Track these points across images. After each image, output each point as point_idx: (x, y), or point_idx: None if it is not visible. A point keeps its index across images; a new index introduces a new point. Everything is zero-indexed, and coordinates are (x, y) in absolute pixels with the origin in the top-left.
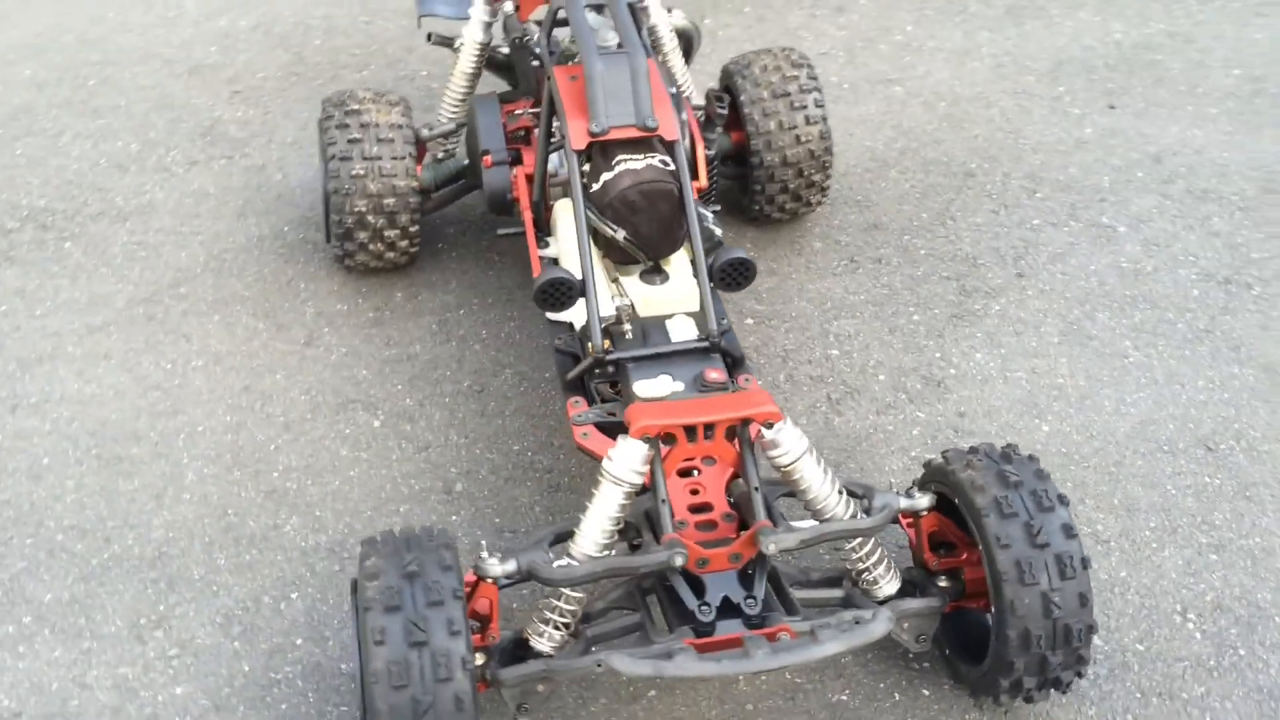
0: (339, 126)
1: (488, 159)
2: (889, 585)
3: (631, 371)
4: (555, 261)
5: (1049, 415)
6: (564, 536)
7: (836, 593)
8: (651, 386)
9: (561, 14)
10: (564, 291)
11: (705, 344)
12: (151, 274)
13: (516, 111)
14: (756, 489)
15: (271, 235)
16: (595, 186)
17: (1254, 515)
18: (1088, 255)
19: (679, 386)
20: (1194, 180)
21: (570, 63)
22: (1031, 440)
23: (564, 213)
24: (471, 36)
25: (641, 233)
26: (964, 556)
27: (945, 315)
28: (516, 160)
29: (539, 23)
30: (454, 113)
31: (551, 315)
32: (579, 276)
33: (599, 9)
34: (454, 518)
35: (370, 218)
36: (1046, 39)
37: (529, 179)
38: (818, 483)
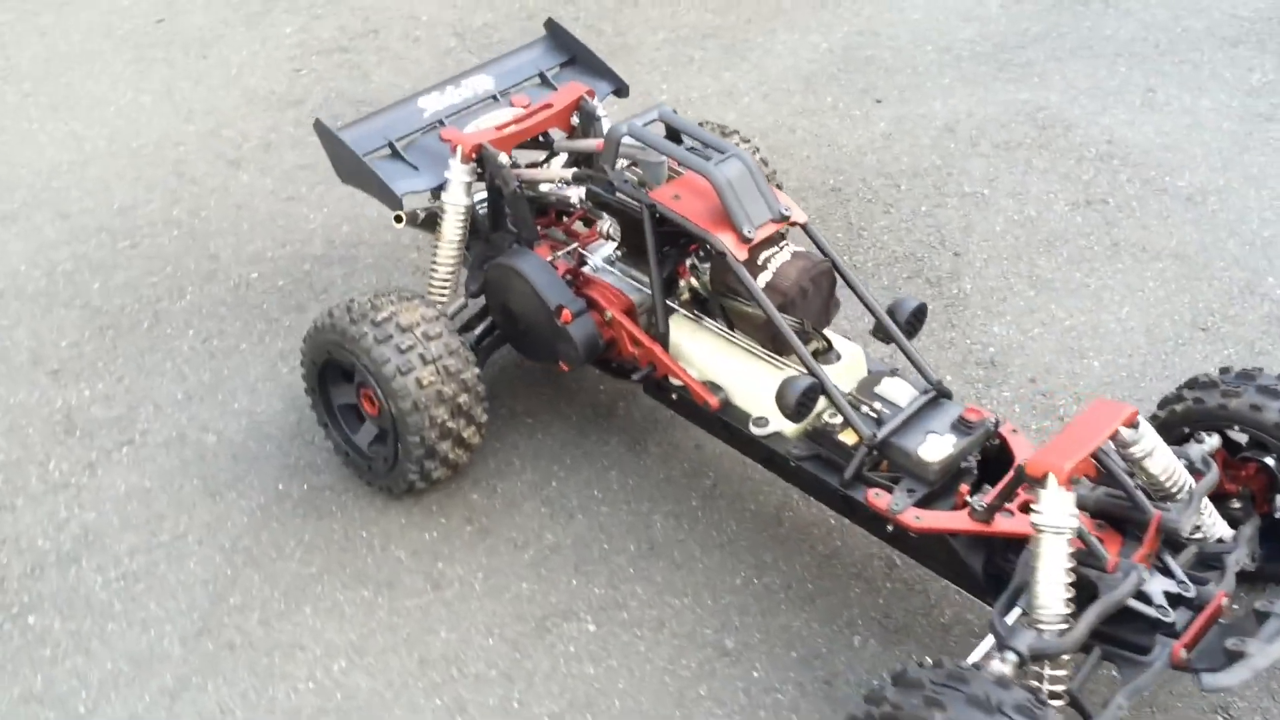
0: (380, 341)
1: (566, 314)
2: (1221, 525)
3: (902, 443)
4: (716, 387)
5: (1089, 351)
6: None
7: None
8: (934, 448)
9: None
10: (814, 396)
11: (933, 392)
12: (188, 604)
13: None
14: (1138, 486)
15: (274, 500)
16: (757, 287)
17: None
18: (987, 221)
19: (952, 436)
20: (991, 136)
21: (644, 188)
22: (1100, 374)
23: (690, 334)
24: (456, 201)
25: (811, 315)
26: (1243, 474)
27: (939, 308)
28: (590, 305)
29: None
30: (447, 287)
31: (757, 430)
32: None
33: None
34: (755, 673)
35: (451, 423)
36: (776, 63)
37: (632, 314)
38: (1169, 461)
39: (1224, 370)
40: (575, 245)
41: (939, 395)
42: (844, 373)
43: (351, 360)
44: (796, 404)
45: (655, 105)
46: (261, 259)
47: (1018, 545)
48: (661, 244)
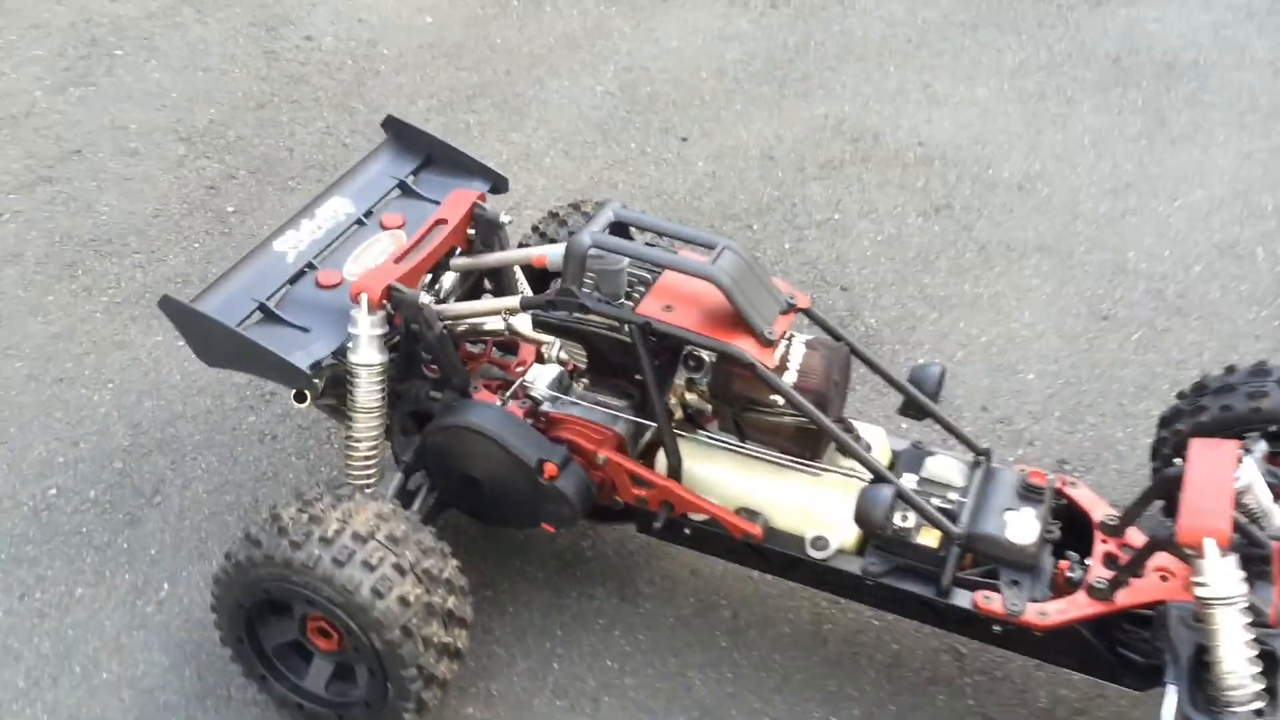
0: (341, 562)
1: (551, 468)
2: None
3: (986, 530)
4: (751, 513)
5: (1017, 364)
6: None
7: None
8: (1021, 528)
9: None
10: (895, 503)
11: (983, 461)
12: None
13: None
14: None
15: None
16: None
17: None
18: (855, 247)
19: (1030, 510)
20: (812, 158)
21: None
22: (1041, 387)
23: (699, 457)
24: (368, 360)
25: (838, 408)
26: None
27: (921, 311)
28: (573, 450)
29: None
30: (371, 466)
31: (817, 553)
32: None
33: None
34: None
35: (446, 636)
36: (560, 115)
37: (624, 450)
38: (1266, 494)
39: (1228, 371)
40: (518, 381)
41: (986, 458)
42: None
43: (299, 594)
44: (886, 516)
45: (603, 202)
46: (52, 468)
47: (1133, 614)
48: (635, 365)
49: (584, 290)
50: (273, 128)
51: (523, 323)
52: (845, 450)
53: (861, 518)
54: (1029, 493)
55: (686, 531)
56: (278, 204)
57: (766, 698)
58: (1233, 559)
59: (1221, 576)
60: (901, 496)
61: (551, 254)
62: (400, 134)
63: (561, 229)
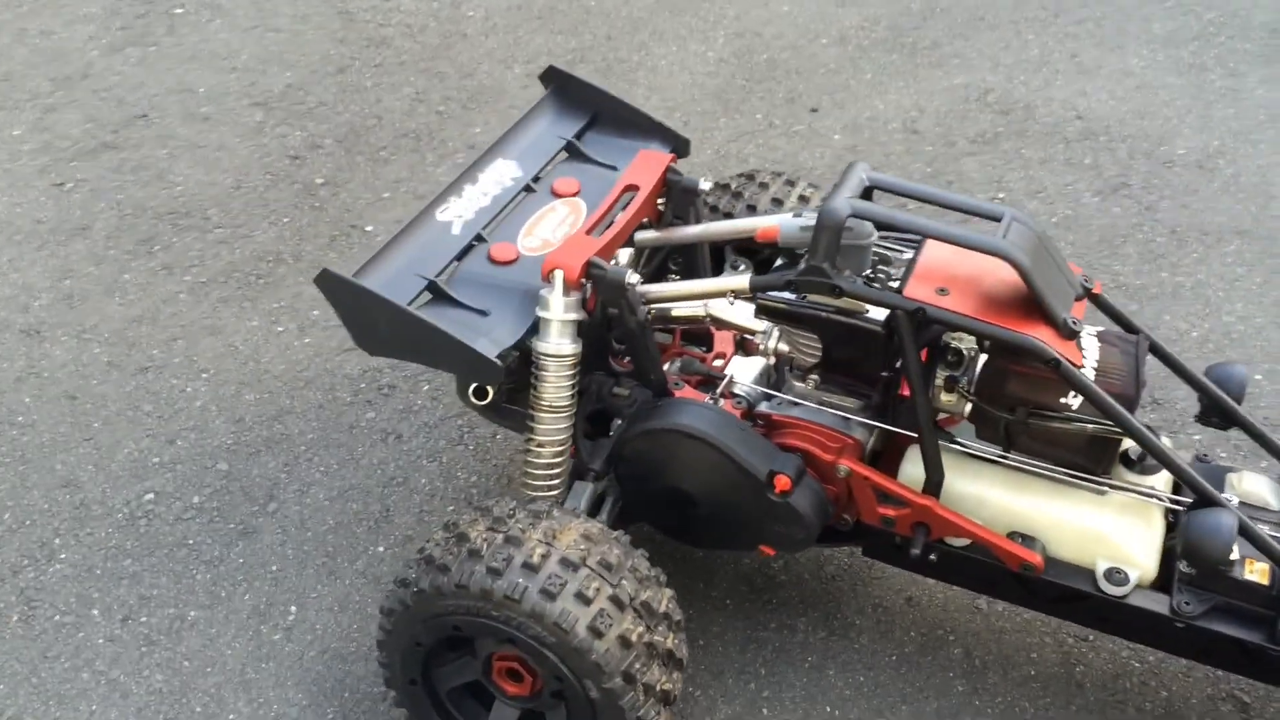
0: (551, 594)
1: (784, 481)
2: None
3: None
4: (1028, 539)
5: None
6: None
7: None
8: None
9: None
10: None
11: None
12: None
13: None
14: None
15: None
16: (1109, 399)
17: None
18: (1070, 205)
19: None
20: (961, 131)
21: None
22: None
23: (958, 470)
24: (561, 351)
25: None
26: None
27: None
28: (807, 463)
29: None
30: (558, 477)
31: (1114, 589)
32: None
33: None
34: None
35: (667, 682)
36: (672, 83)
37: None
38: None
39: None
40: (727, 377)
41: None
42: (1165, 480)
43: (499, 631)
44: (1229, 549)
45: (851, 164)
46: (146, 469)
47: None
48: (890, 359)
49: (845, 275)
50: (356, 93)
51: (720, 307)
52: (1167, 465)
53: (1196, 550)
54: None
55: (932, 558)
56: (371, 176)
57: None
58: None
59: None
60: (1244, 529)
61: (785, 225)
62: (564, 88)
63: (737, 201)
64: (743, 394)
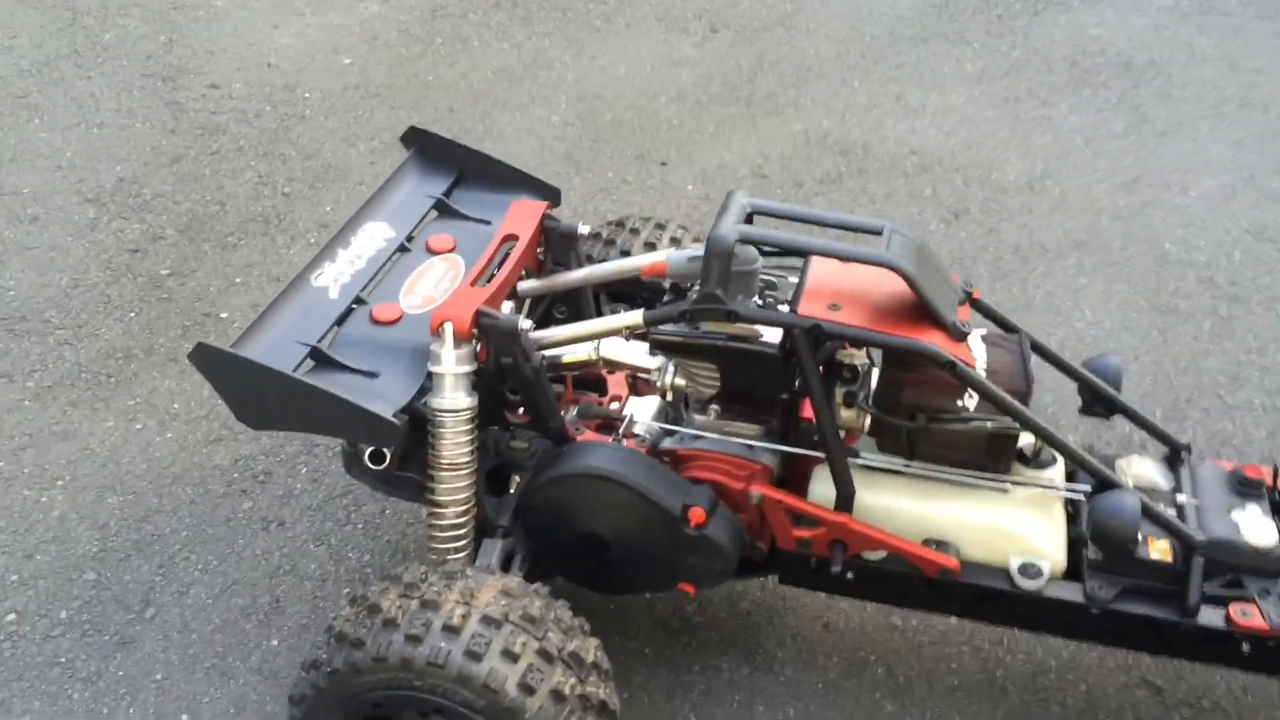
0: (476, 655)
1: (698, 513)
2: None
3: (1219, 536)
4: (942, 544)
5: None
6: None
7: None
8: (1257, 529)
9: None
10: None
11: (1184, 456)
12: None
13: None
14: None
15: None
16: (1003, 394)
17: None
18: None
19: (1255, 507)
20: (825, 167)
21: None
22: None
23: (869, 487)
24: (456, 405)
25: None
26: None
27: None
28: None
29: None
30: (463, 535)
31: (1029, 583)
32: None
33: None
34: None
35: None
36: (514, 153)
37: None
38: None
39: None
40: (627, 417)
41: (1188, 458)
42: (1060, 472)
43: (423, 702)
44: (1134, 532)
45: (730, 193)
46: (3, 588)
47: None
48: (788, 381)
49: (740, 300)
50: (195, 181)
51: (613, 348)
52: (1068, 455)
53: (1104, 532)
54: (1246, 489)
55: (849, 576)
56: (220, 262)
57: None
58: None
59: None
60: (1146, 510)
61: (673, 259)
62: (426, 148)
63: (610, 249)
64: (644, 433)
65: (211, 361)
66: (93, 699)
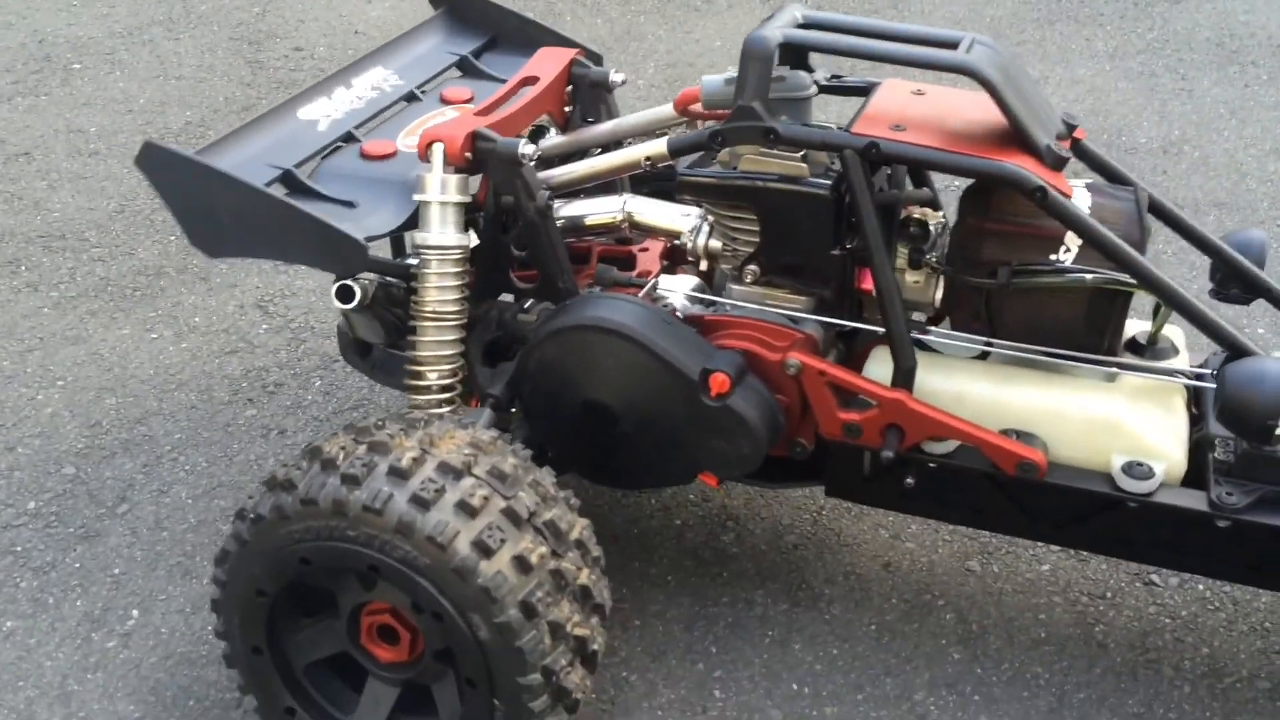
0: (424, 503)
1: (720, 380)
2: None
3: None
4: (1028, 436)
5: None
6: None
7: None
8: None
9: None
10: None
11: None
12: None
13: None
14: None
15: None
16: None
17: None
18: None
19: None
20: None
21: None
22: None
23: (933, 365)
24: (445, 241)
25: None
26: None
27: None
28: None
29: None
30: (448, 393)
31: (1137, 484)
32: None
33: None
34: None
35: (581, 626)
36: None
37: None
38: None
39: None
40: (650, 282)
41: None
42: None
43: (358, 558)
44: (1277, 402)
45: (784, 4)
46: None
47: None
48: (841, 234)
49: (781, 119)
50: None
51: (640, 207)
52: (1191, 315)
53: (1237, 405)
54: None
55: (909, 482)
56: None
57: None
58: None
59: None
60: None
61: (708, 82)
62: (458, 7)
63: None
64: (671, 299)
65: (161, 165)
66: (40, 589)
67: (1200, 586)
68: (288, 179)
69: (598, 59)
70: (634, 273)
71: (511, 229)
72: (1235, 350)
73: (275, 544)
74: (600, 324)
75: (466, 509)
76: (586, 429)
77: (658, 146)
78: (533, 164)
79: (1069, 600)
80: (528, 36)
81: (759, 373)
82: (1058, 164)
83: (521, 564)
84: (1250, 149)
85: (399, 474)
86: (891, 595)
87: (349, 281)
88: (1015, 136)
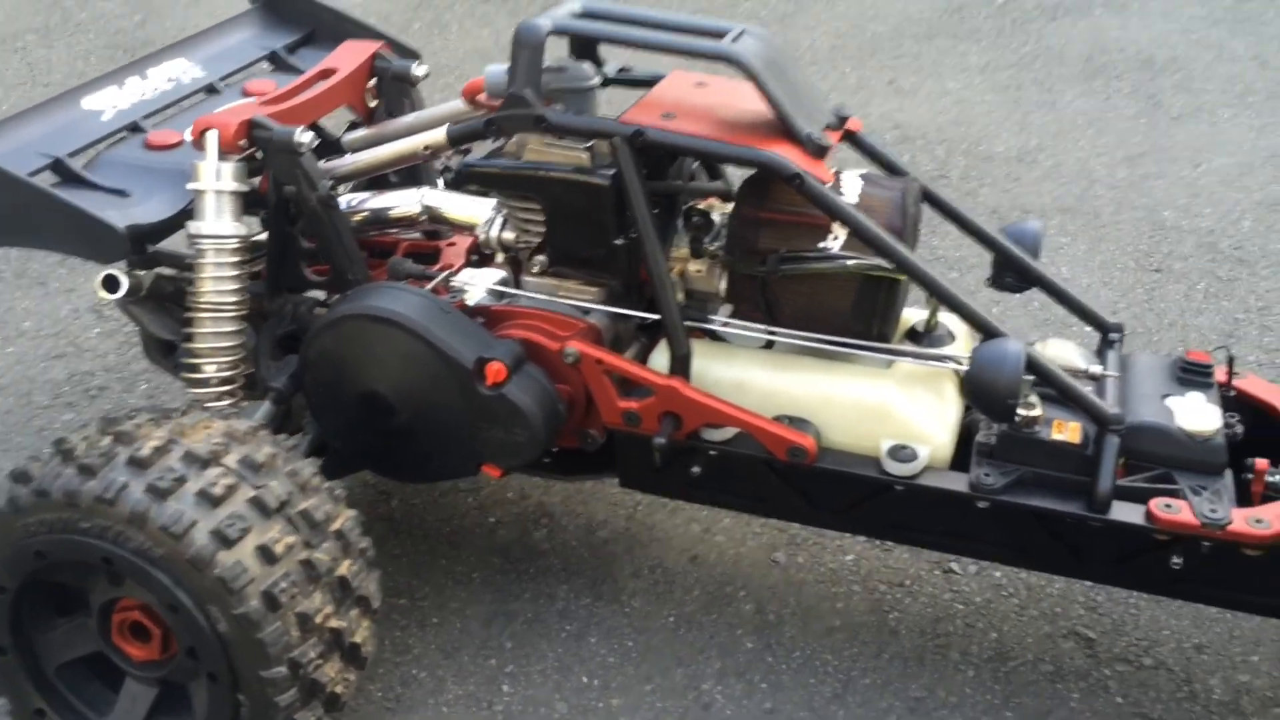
0: (157, 492)
1: (496, 368)
2: None
3: (1146, 420)
4: (801, 422)
5: None
6: None
7: None
8: (1194, 415)
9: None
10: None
11: (1117, 336)
12: None
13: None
14: None
15: None
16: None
17: None
18: None
19: (1198, 395)
20: None
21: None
22: None
23: (712, 354)
24: (219, 230)
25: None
26: None
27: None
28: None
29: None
30: (227, 386)
31: (901, 467)
32: None
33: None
34: None
35: (337, 619)
36: None
37: (602, 345)
38: None
39: None
40: (442, 274)
41: (1119, 341)
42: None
43: (94, 550)
44: (1018, 383)
45: None
46: None
47: None
48: (623, 224)
49: (549, 108)
50: None
51: (436, 198)
52: (942, 296)
53: (981, 384)
54: (1191, 374)
55: (695, 471)
56: None
57: (822, 711)
58: None
59: None
60: (1031, 362)
61: (490, 73)
62: (274, 1)
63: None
64: (463, 288)
65: None
66: None
67: (997, 574)
68: (58, 167)
69: (414, 54)
70: (437, 266)
71: (298, 217)
72: (987, 334)
73: (11, 538)
74: (374, 313)
75: (208, 498)
76: (366, 421)
77: (437, 136)
78: (310, 150)
79: (868, 589)
80: (345, 32)
81: (540, 362)
82: (819, 152)
83: (266, 554)
84: (1102, 157)
85: (138, 464)
86: (694, 588)
87: (113, 271)
88: (779, 126)
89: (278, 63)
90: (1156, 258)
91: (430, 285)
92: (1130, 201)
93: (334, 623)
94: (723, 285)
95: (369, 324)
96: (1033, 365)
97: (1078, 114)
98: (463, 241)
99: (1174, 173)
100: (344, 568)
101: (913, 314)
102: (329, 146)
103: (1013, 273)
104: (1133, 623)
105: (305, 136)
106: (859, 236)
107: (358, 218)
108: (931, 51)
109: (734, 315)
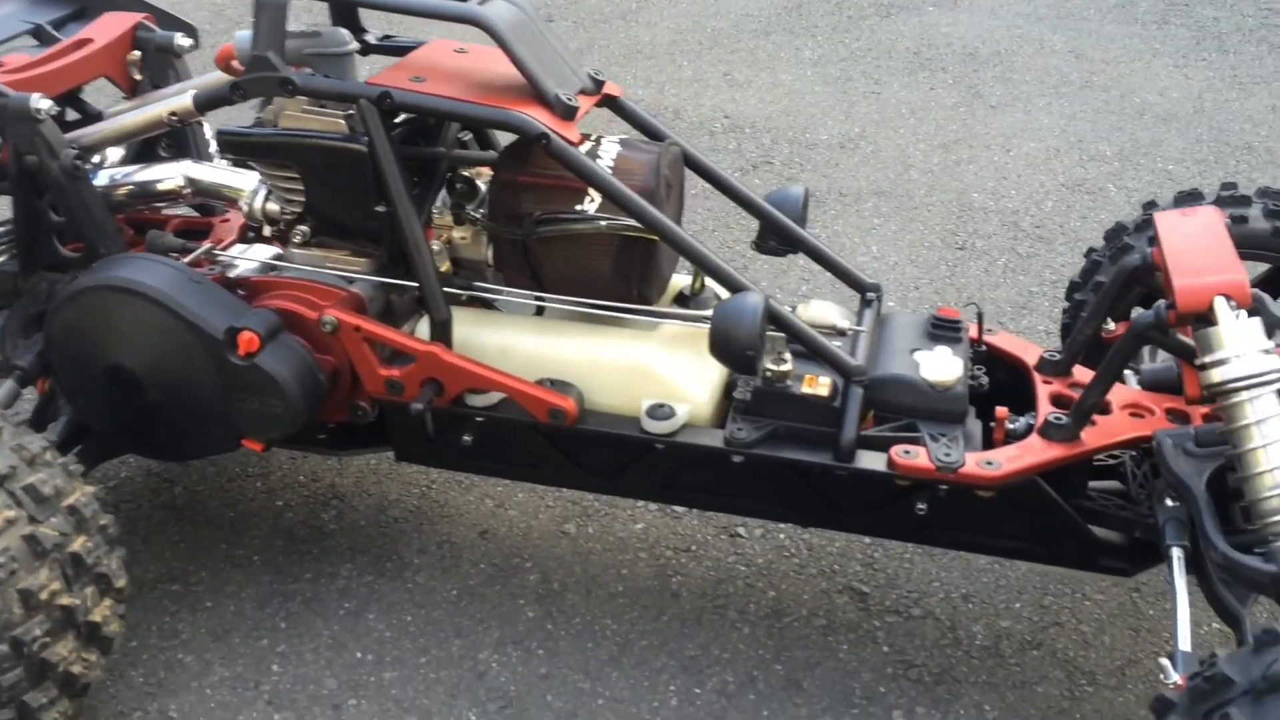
0: None
1: (249, 338)
2: None
3: (892, 373)
4: (563, 384)
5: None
6: None
7: None
8: (938, 366)
9: None
10: (765, 323)
11: (874, 297)
12: None
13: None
14: None
15: None
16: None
17: None
18: None
19: (945, 348)
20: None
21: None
22: None
23: (475, 321)
24: None
25: (668, 212)
26: None
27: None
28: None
29: None
30: None
31: (658, 425)
32: None
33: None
34: None
35: (68, 598)
36: None
37: (364, 314)
38: None
39: (1148, 206)
40: (203, 247)
41: (877, 301)
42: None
43: None
44: (756, 334)
45: None
46: None
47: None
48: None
49: (294, 70)
50: None
51: (199, 170)
52: (691, 256)
53: (721, 340)
54: (940, 329)
55: (467, 440)
56: None
57: (597, 674)
58: (1257, 324)
59: (1241, 345)
60: (774, 315)
61: (239, 38)
62: None
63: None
64: (225, 261)
65: None
66: None
67: (781, 536)
68: None
69: (191, 30)
70: (208, 241)
71: (44, 190)
72: (733, 289)
73: None
74: (116, 284)
75: None
76: (120, 399)
77: (183, 101)
78: (49, 118)
79: (654, 555)
80: (120, 7)
81: (299, 332)
82: (568, 114)
83: None
84: (920, 144)
85: None
86: (481, 561)
87: None
88: (529, 92)
89: (43, 37)
90: (961, 236)
91: (190, 258)
92: (942, 185)
93: (64, 600)
94: (490, 253)
95: (111, 295)
96: (775, 318)
97: (901, 104)
98: (237, 216)
99: (986, 158)
100: (77, 544)
101: (681, 279)
102: (93, 120)
103: (776, 236)
104: (905, 576)
105: (44, 103)
106: (607, 196)
107: (122, 191)
108: (768, 46)
109: (503, 282)
